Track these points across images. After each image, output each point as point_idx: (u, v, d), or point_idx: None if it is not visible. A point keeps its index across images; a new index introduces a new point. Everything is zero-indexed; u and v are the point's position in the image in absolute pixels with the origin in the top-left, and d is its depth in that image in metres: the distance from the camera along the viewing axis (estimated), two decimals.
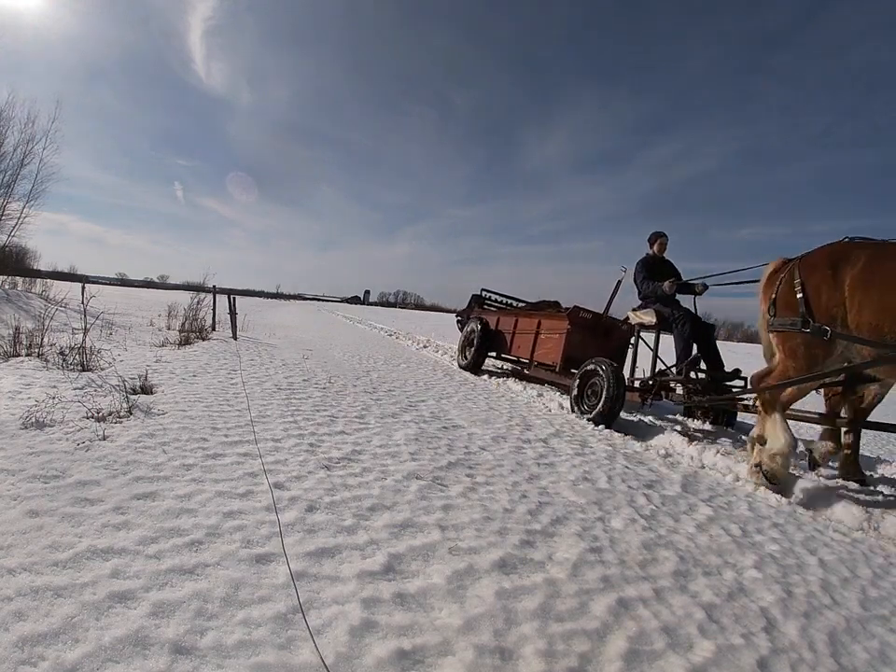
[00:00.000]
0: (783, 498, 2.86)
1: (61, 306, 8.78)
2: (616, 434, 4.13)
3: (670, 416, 5.17)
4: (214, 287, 10.30)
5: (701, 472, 3.27)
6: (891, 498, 3.01)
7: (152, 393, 3.73)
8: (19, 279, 14.79)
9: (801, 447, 3.51)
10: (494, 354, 7.28)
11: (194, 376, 4.60)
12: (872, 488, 3.17)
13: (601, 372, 4.41)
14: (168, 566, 1.53)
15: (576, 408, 4.67)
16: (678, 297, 5.04)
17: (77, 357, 4.50)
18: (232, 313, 8.85)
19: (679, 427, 4.44)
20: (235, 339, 8.35)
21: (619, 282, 5.81)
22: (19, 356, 4.65)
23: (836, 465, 3.47)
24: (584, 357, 5.10)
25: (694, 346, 4.58)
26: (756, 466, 3.07)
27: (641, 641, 1.43)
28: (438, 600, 1.51)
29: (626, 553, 1.96)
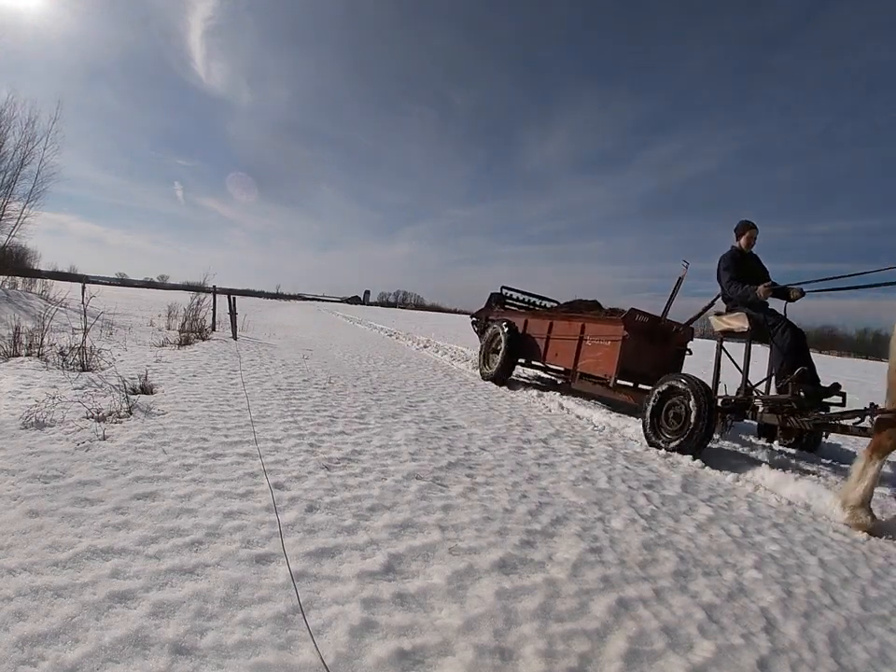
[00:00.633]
0: (783, 499, 2.86)
1: (61, 306, 8.78)
2: (616, 434, 4.13)
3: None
4: (214, 287, 10.30)
5: (701, 472, 3.27)
6: (892, 498, 3.02)
7: (152, 393, 3.73)
8: (19, 279, 14.79)
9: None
10: (522, 361, 6.45)
11: (194, 376, 4.60)
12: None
13: (686, 391, 3.67)
14: (168, 566, 1.53)
15: (652, 437, 3.85)
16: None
17: (77, 357, 4.50)
18: (232, 313, 8.85)
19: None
20: (235, 339, 8.35)
21: (680, 279, 4.99)
22: (19, 356, 4.65)
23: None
24: (639, 369, 4.60)
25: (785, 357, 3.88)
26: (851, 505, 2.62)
27: (641, 641, 1.43)
28: (438, 600, 1.51)
29: (626, 554, 1.96)
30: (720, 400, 3.96)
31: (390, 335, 14.48)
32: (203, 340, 7.79)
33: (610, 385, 4.83)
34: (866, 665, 1.46)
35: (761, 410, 3.68)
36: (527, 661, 1.30)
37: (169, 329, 8.81)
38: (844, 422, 3.19)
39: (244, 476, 2.30)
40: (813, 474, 3.44)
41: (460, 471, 2.71)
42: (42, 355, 4.71)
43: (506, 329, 6.28)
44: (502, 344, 6.27)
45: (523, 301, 7.56)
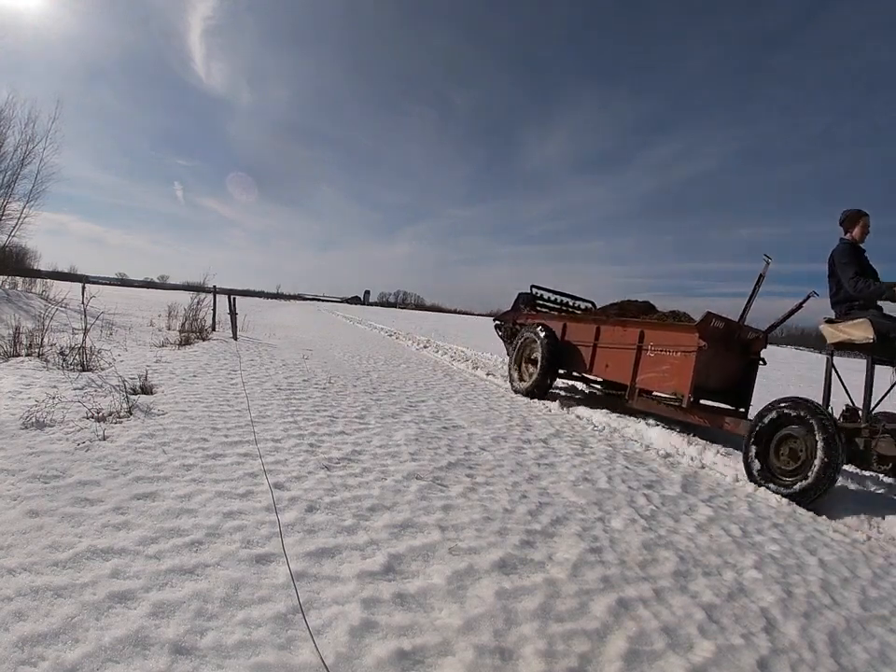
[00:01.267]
0: (783, 499, 2.86)
1: (61, 306, 8.77)
2: (616, 434, 4.12)
3: None
4: (214, 287, 10.30)
5: (701, 472, 3.27)
6: (891, 498, 3.02)
7: (152, 393, 3.73)
8: (19, 279, 14.80)
9: None
10: (563, 371, 5.61)
11: (194, 376, 4.60)
12: (873, 489, 3.15)
13: (807, 421, 2.93)
14: (168, 566, 1.53)
15: (762, 482, 3.08)
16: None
17: (78, 357, 4.50)
18: (232, 313, 8.85)
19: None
20: (235, 339, 8.35)
21: (761, 276, 4.32)
22: (19, 356, 4.65)
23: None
24: (709, 384, 3.94)
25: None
26: None
27: (641, 641, 1.43)
28: (438, 600, 1.51)
29: (626, 554, 1.96)
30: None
31: (390, 335, 14.47)
32: (203, 340, 7.79)
33: (683, 405, 4.00)
34: (866, 665, 1.46)
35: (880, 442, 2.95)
36: (527, 661, 1.30)
37: (169, 329, 8.81)
38: None
39: (244, 476, 2.30)
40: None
41: (460, 471, 2.71)
42: (42, 355, 4.71)
43: (543, 335, 5.49)
44: (538, 352, 5.50)
45: (555, 301, 6.71)
